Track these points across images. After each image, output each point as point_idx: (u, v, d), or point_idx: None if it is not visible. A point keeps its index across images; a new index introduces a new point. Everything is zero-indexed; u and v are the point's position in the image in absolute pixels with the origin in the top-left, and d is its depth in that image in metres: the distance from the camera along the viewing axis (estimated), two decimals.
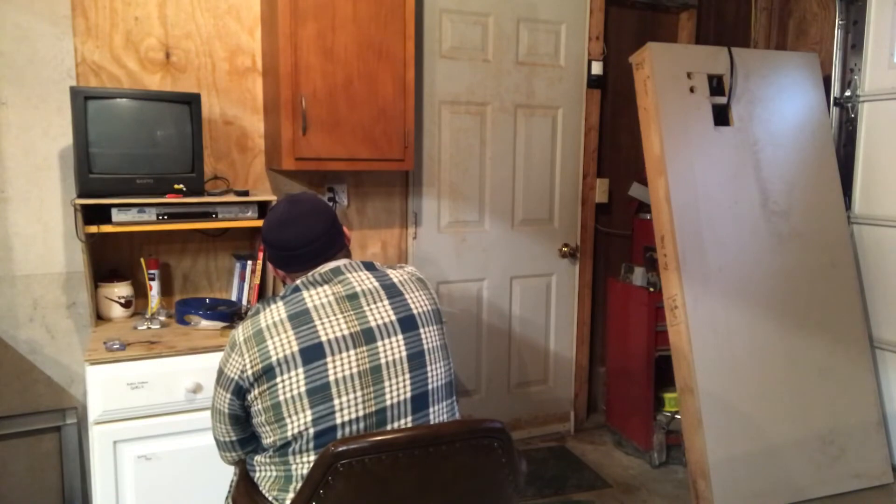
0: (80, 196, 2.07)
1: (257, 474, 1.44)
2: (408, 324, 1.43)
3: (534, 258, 3.21)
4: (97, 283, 2.26)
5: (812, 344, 2.81)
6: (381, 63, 2.39)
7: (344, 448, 1.19)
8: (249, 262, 2.41)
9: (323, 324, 1.37)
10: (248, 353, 1.37)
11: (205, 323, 2.19)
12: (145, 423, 1.94)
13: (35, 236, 2.28)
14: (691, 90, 2.82)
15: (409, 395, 1.39)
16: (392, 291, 1.46)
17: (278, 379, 1.33)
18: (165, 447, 1.97)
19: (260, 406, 1.36)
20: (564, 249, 3.26)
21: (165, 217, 2.15)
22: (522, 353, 3.26)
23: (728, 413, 2.63)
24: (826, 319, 2.85)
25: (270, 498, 1.39)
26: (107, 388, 1.89)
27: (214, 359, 2.00)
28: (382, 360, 1.38)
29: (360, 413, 1.34)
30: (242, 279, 2.42)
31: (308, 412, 1.32)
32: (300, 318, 1.37)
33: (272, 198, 2.30)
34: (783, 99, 2.96)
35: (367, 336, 1.38)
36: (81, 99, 2.05)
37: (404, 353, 1.40)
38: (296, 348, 1.34)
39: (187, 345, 2.01)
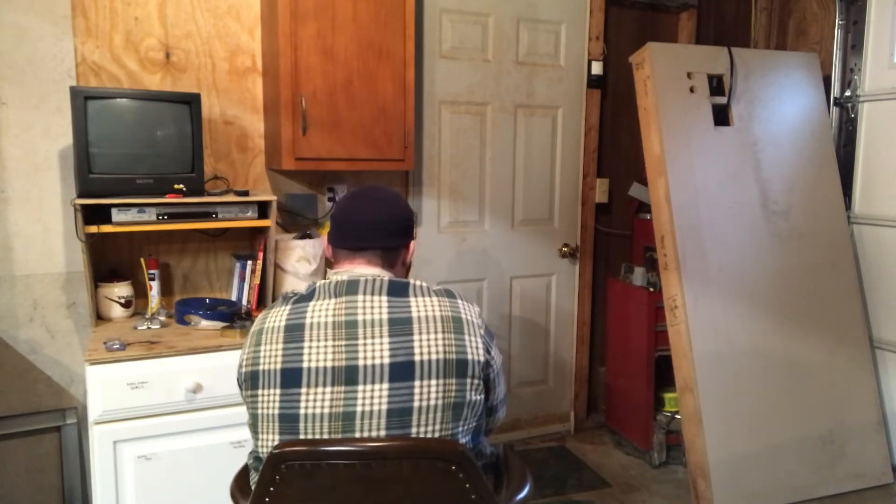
0: (80, 196, 2.07)
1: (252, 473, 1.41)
2: (400, 372, 1.24)
3: (534, 258, 3.21)
4: (97, 283, 2.26)
5: (812, 344, 2.81)
6: (381, 63, 2.39)
7: (284, 450, 1.15)
8: (249, 262, 2.41)
9: (310, 347, 1.26)
10: (246, 351, 1.33)
11: (205, 323, 2.19)
12: (145, 423, 1.94)
13: (35, 236, 2.28)
14: (691, 90, 2.82)
15: (380, 442, 1.22)
16: (399, 329, 1.27)
17: (259, 391, 1.27)
18: (165, 447, 1.97)
19: (247, 410, 1.32)
20: (564, 249, 3.26)
21: (165, 217, 2.15)
22: (522, 353, 3.26)
23: (728, 413, 2.63)
24: (826, 319, 2.85)
25: None
26: (107, 388, 1.89)
27: (214, 359, 2.01)
28: (358, 409, 1.22)
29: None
30: (242, 279, 2.42)
31: (276, 437, 1.25)
32: (293, 334, 1.28)
33: (272, 198, 2.30)
34: (783, 99, 2.96)
35: (349, 375, 1.24)
36: (81, 99, 2.05)
37: (384, 407, 1.22)
38: (279, 366, 1.26)
39: (187, 345, 2.01)
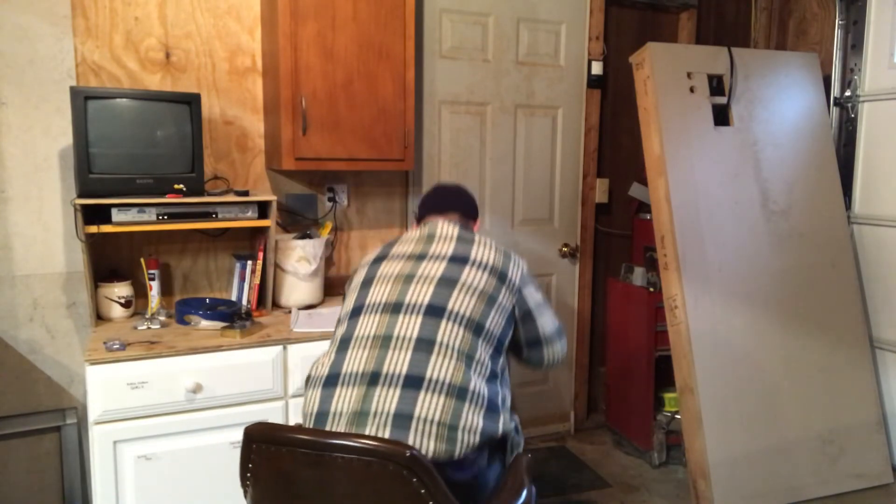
0: (80, 196, 2.07)
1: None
2: (457, 260, 1.65)
3: (534, 258, 3.21)
4: (97, 283, 2.26)
5: (812, 344, 2.81)
6: (381, 63, 2.39)
7: (251, 432, 1.29)
8: (249, 262, 2.41)
9: (399, 246, 1.74)
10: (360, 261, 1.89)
11: (205, 323, 2.19)
12: (145, 423, 1.94)
13: (35, 236, 2.28)
14: (691, 90, 2.82)
15: (426, 301, 1.56)
16: (463, 243, 1.70)
17: (354, 278, 1.73)
18: (165, 447, 1.97)
19: (345, 300, 1.75)
20: (564, 249, 3.26)
21: (165, 217, 2.15)
22: None
23: (728, 413, 2.63)
24: (826, 319, 2.85)
25: (319, 361, 1.64)
26: (107, 388, 1.89)
27: (214, 359, 2.01)
28: (418, 273, 1.63)
29: (384, 300, 1.60)
30: (242, 279, 2.42)
31: (355, 295, 1.67)
32: (390, 243, 1.77)
33: (272, 198, 2.30)
34: (783, 99, 2.96)
35: (419, 257, 1.67)
36: (81, 99, 2.05)
37: (438, 274, 1.62)
38: (372, 257, 1.75)
39: (187, 345, 2.01)
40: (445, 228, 1.74)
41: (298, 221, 2.67)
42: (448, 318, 1.54)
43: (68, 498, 2.40)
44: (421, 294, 1.58)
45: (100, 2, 2.30)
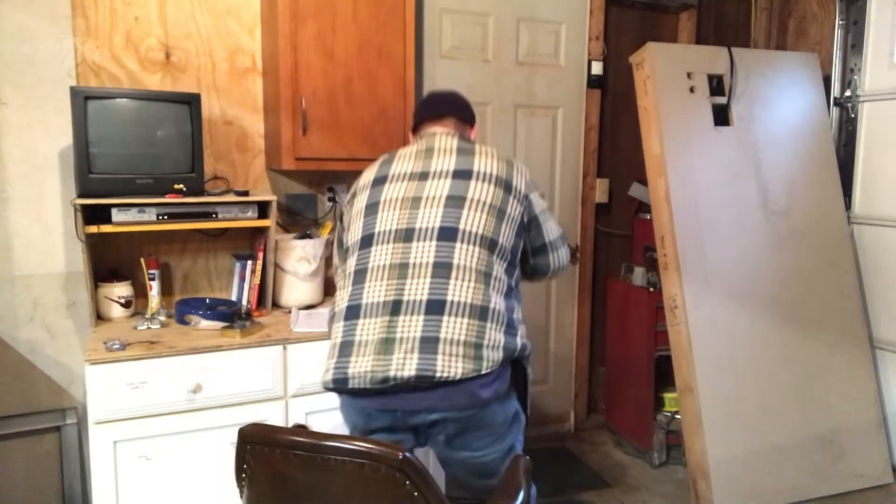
0: (80, 196, 2.07)
1: (336, 283, 1.78)
2: (461, 175, 1.64)
3: None
4: (97, 283, 2.26)
5: (812, 344, 2.81)
6: (381, 63, 2.38)
7: (245, 432, 1.29)
8: (249, 262, 2.41)
9: (397, 165, 1.71)
10: (352, 187, 1.79)
11: (205, 323, 2.19)
12: (145, 423, 1.94)
13: (35, 236, 2.28)
14: (691, 90, 2.82)
15: (437, 224, 1.58)
16: (464, 154, 1.69)
17: (357, 196, 1.72)
18: (165, 447, 1.97)
19: (345, 223, 1.76)
20: None
21: (165, 217, 2.15)
22: None
23: (728, 413, 2.63)
24: (826, 319, 2.85)
25: (337, 297, 1.68)
26: (107, 388, 1.89)
27: (214, 359, 2.01)
28: (424, 194, 1.63)
29: (394, 227, 1.60)
30: (242, 279, 2.42)
31: (361, 221, 1.66)
32: (387, 160, 1.75)
33: (272, 198, 2.30)
34: (783, 99, 2.96)
35: (421, 177, 1.66)
36: (81, 99, 2.05)
37: (444, 193, 1.62)
38: (371, 178, 1.72)
39: (187, 345, 2.01)
40: (443, 141, 1.72)
41: (298, 221, 2.67)
42: (462, 240, 1.56)
43: (68, 498, 2.40)
44: (431, 217, 1.58)
45: (100, 2, 2.29)
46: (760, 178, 2.85)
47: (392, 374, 1.49)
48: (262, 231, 2.40)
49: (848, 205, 3.07)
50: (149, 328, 2.17)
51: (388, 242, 1.59)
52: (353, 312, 1.57)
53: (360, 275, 1.60)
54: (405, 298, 1.53)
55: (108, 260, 2.37)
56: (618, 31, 3.28)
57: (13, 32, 2.19)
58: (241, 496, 1.35)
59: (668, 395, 3.06)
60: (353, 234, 1.67)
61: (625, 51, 3.18)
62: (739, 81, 2.89)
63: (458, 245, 1.56)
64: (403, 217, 1.60)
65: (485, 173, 1.64)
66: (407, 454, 1.19)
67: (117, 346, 1.94)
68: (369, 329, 1.53)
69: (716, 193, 2.77)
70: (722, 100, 2.86)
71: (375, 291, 1.56)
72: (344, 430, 2.14)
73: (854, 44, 3.09)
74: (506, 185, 1.65)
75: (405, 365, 1.49)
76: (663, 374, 2.99)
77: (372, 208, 1.66)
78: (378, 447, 1.19)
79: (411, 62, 2.44)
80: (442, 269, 1.54)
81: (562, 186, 3.23)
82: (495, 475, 1.63)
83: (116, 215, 2.08)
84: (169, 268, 2.49)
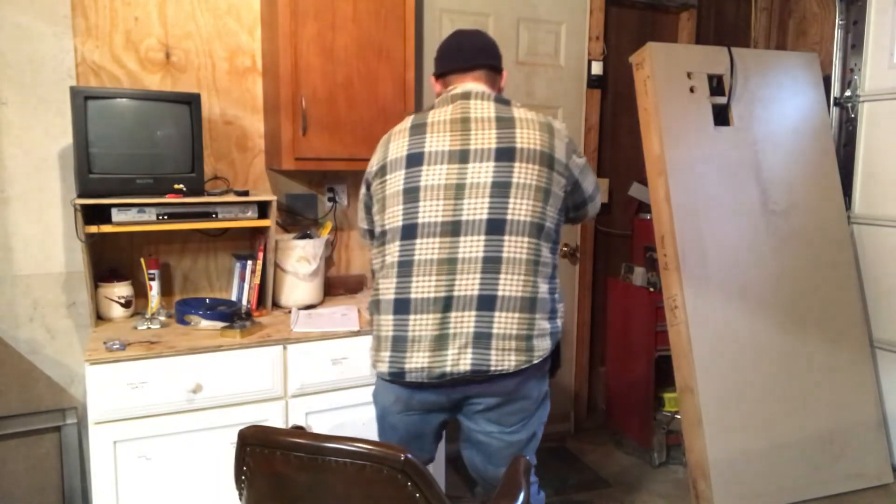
0: (80, 196, 2.06)
1: (372, 266, 1.73)
2: (504, 154, 1.56)
3: None
4: (97, 283, 2.26)
5: (812, 344, 2.81)
6: (381, 63, 2.38)
7: (245, 434, 1.28)
8: (249, 262, 2.41)
9: (432, 137, 1.59)
10: (378, 154, 1.68)
11: (205, 323, 2.19)
12: (145, 423, 1.94)
13: (35, 236, 2.28)
14: (691, 90, 2.82)
15: (484, 217, 1.53)
16: (504, 124, 1.59)
17: (388, 176, 1.62)
18: (165, 447, 1.97)
19: (375, 198, 1.67)
20: (564, 249, 3.26)
21: (165, 217, 2.15)
22: None
23: (728, 413, 2.63)
24: (826, 319, 2.85)
25: (375, 287, 1.66)
26: (107, 388, 1.89)
27: (214, 359, 2.01)
28: (468, 181, 1.55)
29: (439, 219, 1.55)
30: (242, 279, 2.42)
31: (400, 207, 1.58)
32: (418, 129, 1.62)
33: (272, 198, 2.30)
34: (783, 99, 2.96)
35: (462, 156, 1.56)
36: (81, 99, 2.05)
37: (489, 180, 1.54)
38: (405, 153, 1.60)
39: (187, 345, 2.01)
40: (480, 108, 1.61)
41: (298, 221, 2.67)
42: (510, 231, 1.55)
43: (68, 498, 2.40)
44: (477, 208, 1.54)
45: (100, 2, 2.29)
46: (760, 178, 2.85)
47: (448, 369, 1.55)
48: (262, 231, 2.40)
49: (848, 205, 3.07)
50: (149, 328, 2.17)
51: (433, 236, 1.55)
52: (402, 307, 1.57)
53: (405, 267, 1.58)
54: (455, 294, 1.54)
55: (108, 260, 2.37)
56: (618, 31, 3.28)
57: (13, 32, 2.19)
58: (241, 498, 1.35)
59: (668, 395, 3.06)
60: (392, 219, 1.60)
61: (625, 51, 3.18)
62: (739, 81, 2.89)
63: (506, 238, 1.55)
64: (448, 208, 1.55)
65: (528, 151, 1.57)
66: (408, 455, 1.19)
67: (117, 346, 1.94)
68: (421, 325, 1.55)
69: (716, 193, 2.77)
70: (722, 100, 2.86)
71: (424, 286, 1.55)
72: (344, 431, 2.15)
73: (854, 44, 3.09)
74: (549, 161, 1.59)
75: (460, 360, 1.54)
76: (663, 374, 2.99)
77: (411, 194, 1.58)
78: (379, 448, 1.19)
79: (411, 62, 2.44)
80: (491, 264, 1.54)
81: None
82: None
83: (116, 215, 2.08)
84: (169, 268, 2.49)
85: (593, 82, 3.20)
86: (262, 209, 2.33)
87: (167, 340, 2.05)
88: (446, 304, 1.54)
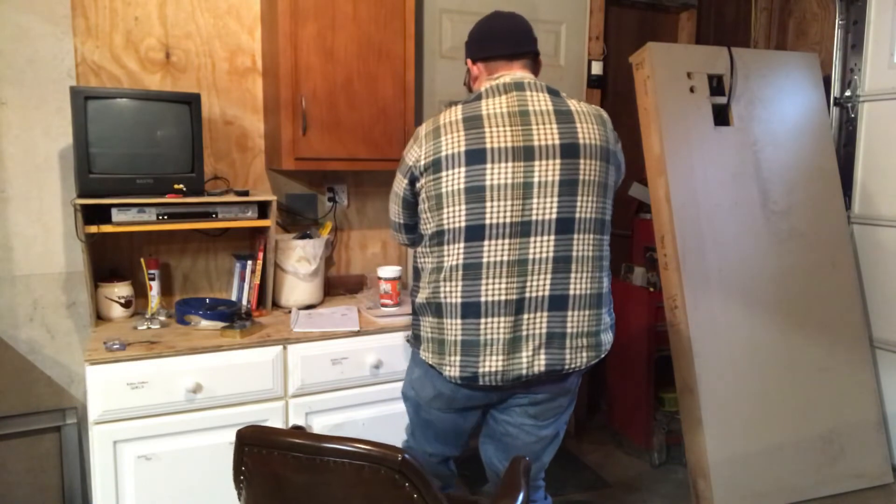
0: (80, 196, 2.06)
1: (419, 264, 1.67)
2: (569, 151, 1.53)
3: None
4: (97, 283, 2.26)
5: (812, 344, 2.81)
6: (381, 63, 2.38)
7: (244, 433, 1.27)
8: (249, 262, 2.41)
9: (491, 132, 1.52)
10: (425, 146, 1.58)
11: (205, 323, 2.19)
12: (145, 423, 1.94)
13: (35, 236, 2.28)
14: (691, 90, 2.82)
15: (554, 216, 1.51)
16: (563, 118, 1.55)
17: (443, 172, 1.53)
18: (165, 447, 1.97)
19: (425, 194, 1.58)
20: None
21: (165, 217, 2.15)
22: None
23: (728, 413, 2.63)
24: (826, 319, 2.85)
25: (430, 288, 1.59)
26: (107, 388, 1.89)
27: (214, 359, 2.01)
28: (535, 179, 1.51)
29: (508, 220, 1.51)
30: (242, 279, 2.42)
31: (463, 207, 1.51)
32: (473, 122, 1.54)
33: (272, 198, 2.30)
34: (783, 99, 2.96)
35: (527, 153, 1.51)
36: (81, 99, 2.05)
37: (557, 178, 1.52)
38: (463, 148, 1.52)
39: (187, 345, 2.01)
40: (536, 100, 1.56)
41: (298, 221, 2.67)
42: (579, 230, 1.55)
43: (68, 498, 2.40)
44: (546, 208, 1.52)
45: (100, 2, 2.29)
46: (760, 178, 2.85)
47: (523, 372, 1.55)
48: (262, 231, 2.40)
49: (848, 205, 3.07)
50: (149, 328, 2.17)
51: (503, 238, 1.52)
52: (471, 310, 1.54)
53: (472, 269, 1.54)
54: (527, 296, 1.54)
55: (108, 260, 2.37)
56: (618, 31, 3.28)
57: (13, 32, 2.19)
58: (240, 498, 1.35)
59: (668, 395, 3.06)
60: (453, 219, 1.53)
61: (625, 51, 3.18)
62: (739, 81, 2.89)
63: (575, 236, 1.55)
64: (517, 208, 1.51)
65: (590, 147, 1.56)
66: (405, 456, 1.19)
67: (117, 346, 1.94)
68: (494, 328, 1.54)
69: (716, 193, 2.77)
70: (722, 100, 2.86)
71: (495, 289, 1.53)
72: (344, 431, 2.15)
73: (854, 44, 3.09)
74: (606, 155, 1.60)
75: (534, 362, 1.55)
76: (663, 374, 2.99)
77: (476, 193, 1.51)
78: (378, 449, 1.19)
79: (411, 62, 2.44)
80: (562, 264, 1.54)
81: None
82: (534, 459, 1.69)
83: (116, 215, 2.08)
84: (169, 268, 2.49)
85: (593, 82, 3.20)
86: (262, 209, 2.33)
87: (167, 340, 2.05)
88: (518, 307, 1.54)
